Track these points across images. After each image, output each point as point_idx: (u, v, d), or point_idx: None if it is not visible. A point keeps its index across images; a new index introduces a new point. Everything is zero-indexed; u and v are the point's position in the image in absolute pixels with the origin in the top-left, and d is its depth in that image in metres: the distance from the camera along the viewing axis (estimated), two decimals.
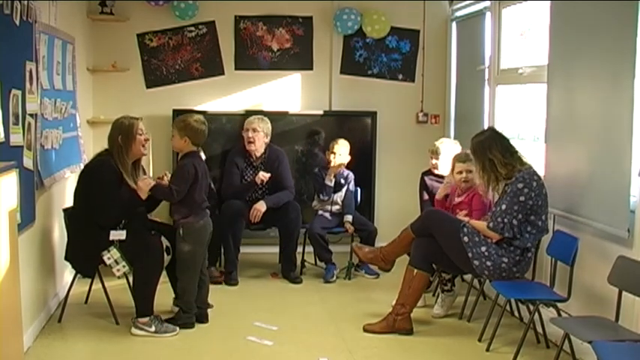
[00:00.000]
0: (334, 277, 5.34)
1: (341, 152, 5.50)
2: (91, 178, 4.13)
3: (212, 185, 5.20)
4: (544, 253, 4.07)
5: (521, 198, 3.82)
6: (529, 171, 3.88)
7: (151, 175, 4.70)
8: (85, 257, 4.17)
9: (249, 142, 5.31)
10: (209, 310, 4.38)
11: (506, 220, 3.86)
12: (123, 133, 4.14)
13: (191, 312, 4.21)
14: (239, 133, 5.69)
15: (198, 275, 4.22)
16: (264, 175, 5.23)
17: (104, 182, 4.06)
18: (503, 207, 3.86)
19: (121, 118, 4.24)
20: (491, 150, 3.93)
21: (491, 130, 4.13)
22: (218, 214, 5.18)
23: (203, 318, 4.28)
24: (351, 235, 5.45)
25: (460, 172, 4.53)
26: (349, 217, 5.46)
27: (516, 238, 3.88)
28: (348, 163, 5.57)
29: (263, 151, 5.38)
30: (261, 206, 5.21)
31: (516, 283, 3.95)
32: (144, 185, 4.14)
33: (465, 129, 6.00)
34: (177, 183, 4.12)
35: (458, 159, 4.59)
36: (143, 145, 4.23)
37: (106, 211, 4.06)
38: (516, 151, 3.97)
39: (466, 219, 4.13)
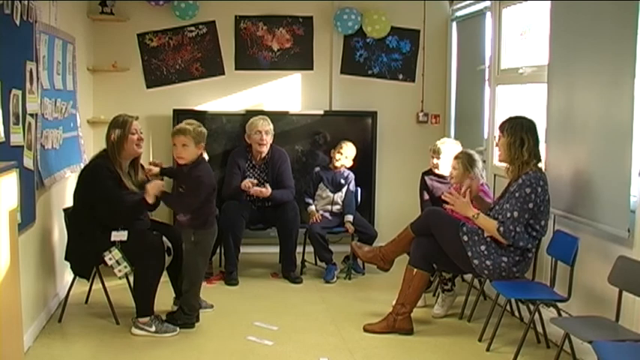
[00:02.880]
0: (335, 278, 5.35)
1: (347, 155, 5.51)
2: (90, 181, 4.12)
3: None
4: (544, 252, 4.07)
5: (530, 205, 3.82)
6: (536, 175, 3.86)
7: None
8: (83, 259, 4.17)
9: (261, 145, 5.30)
10: (209, 310, 4.38)
11: (518, 228, 3.84)
12: (115, 131, 4.14)
13: (192, 313, 4.21)
14: (240, 133, 5.69)
15: (203, 279, 4.23)
16: (260, 191, 5.20)
17: (105, 186, 4.05)
18: (515, 214, 3.83)
19: (117, 116, 4.24)
20: (528, 133, 3.93)
21: (534, 121, 4.06)
22: (218, 214, 5.18)
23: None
24: (352, 235, 5.45)
25: (454, 168, 4.58)
26: (350, 217, 5.46)
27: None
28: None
29: (266, 151, 5.39)
30: (266, 190, 5.19)
31: (516, 283, 3.95)
32: (151, 189, 4.07)
33: (466, 129, 6.01)
34: (195, 196, 4.09)
35: (454, 156, 4.64)
36: (137, 144, 4.19)
37: (113, 214, 4.05)
38: (540, 152, 3.98)
39: (475, 211, 4.06)
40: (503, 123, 4.06)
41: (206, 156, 4.29)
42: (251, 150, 5.38)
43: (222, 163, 5.76)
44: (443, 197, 4.25)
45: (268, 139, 5.33)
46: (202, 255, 4.22)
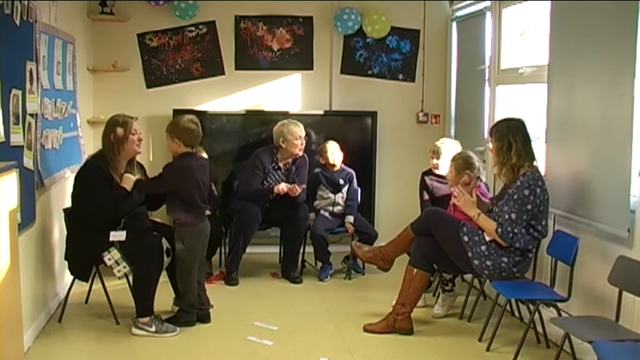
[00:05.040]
0: (329, 277, 5.37)
1: (333, 151, 5.50)
2: (81, 181, 4.15)
3: (214, 187, 5.18)
4: (544, 252, 4.07)
5: (529, 207, 3.81)
6: (534, 175, 3.86)
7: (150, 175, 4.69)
8: (82, 259, 4.17)
9: (300, 149, 5.32)
10: (210, 310, 4.38)
11: (516, 230, 3.83)
12: (116, 131, 4.14)
13: (192, 311, 4.21)
14: (240, 133, 5.70)
15: (195, 275, 4.20)
16: (287, 188, 5.21)
17: (92, 185, 4.05)
18: (513, 216, 3.82)
19: (116, 116, 4.23)
20: (515, 135, 3.92)
21: (521, 120, 4.06)
22: (218, 215, 5.18)
23: (205, 318, 4.28)
24: (352, 235, 5.44)
25: (450, 172, 4.60)
26: (351, 218, 5.45)
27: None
28: (348, 162, 5.59)
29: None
30: (297, 188, 5.21)
31: (516, 283, 3.95)
32: (125, 183, 4.12)
33: (465, 129, 6.02)
34: (160, 176, 4.17)
35: (451, 158, 4.66)
36: (137, 145, 4.20)
37: (97, 213, 4.04)
38: (533, 150, 3.97)
39: (477, 211, 4.03)
40: (492, 127, 4.08)
41: (205, 155, 4.27)
42: (278, 151, 5.37)
43: (222, 163, 5.76)
44: (452, 191, 4.23)
45: (304, 144, 5.38)
46: (188, 248, 4.14)
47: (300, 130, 5.32)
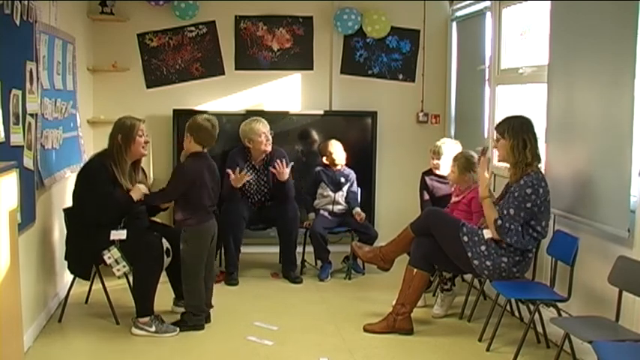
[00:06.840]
0: (329, 277, 5.37)
1: (337, 150, 5.51)
2: (84, 178, 4.16)
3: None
4: (544, 252, 4.07)
5: (528, 205, 3.82)
6: (537, 176, 3.87)
7: (151, 175, 4.69)
8: (82, 257, 4.17)
9: (267, 145, 5.32)
10: (210, 310, 4.38)
11: (512, 226, 3.85)
12: (123, 133, 4.14)
13: (201, 314, 4.19)
14: (239, 134, 5.68)
15: (202, 277, 4.18)
16: (283, 171, 5.24)
17: (96, 183, 4.06)
18: (512, 212, 3.84)
19: (124, 117, 4.24)
20: (529, 133, 3.93)
21: (530, 119, 4.04)
22: (219, 214, 5.18)
23: (205, 318, 4.27)
24: (352, 234, 5.43)
25: (452, 171, 4.62)
26: (357, 209, 5.46)
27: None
28: (348, 163, 5.59)
29: (270, 150, 5.40)
30: (285, 171, 5.25)
31: (516, 283, 3.95)
32: (135, 193, 4.15)
33: (466, 129, 6.01)
34: (171, 184, 4.16)
35: (452, 158, 4.69)
36: (143, 147, 4.22)
37: (101, 211, 4.05)
38: (538, 149, 3.98)
39: (487, 194, 4.03)
40: (501, 124, 4.05)
41: None
42: (250, 151, 5.38)
43: (222, 163, 5.75)
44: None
45: (270, 138, 5.36)
46: (193, 250, 4.14)
47: (262, 125, 5.32)
